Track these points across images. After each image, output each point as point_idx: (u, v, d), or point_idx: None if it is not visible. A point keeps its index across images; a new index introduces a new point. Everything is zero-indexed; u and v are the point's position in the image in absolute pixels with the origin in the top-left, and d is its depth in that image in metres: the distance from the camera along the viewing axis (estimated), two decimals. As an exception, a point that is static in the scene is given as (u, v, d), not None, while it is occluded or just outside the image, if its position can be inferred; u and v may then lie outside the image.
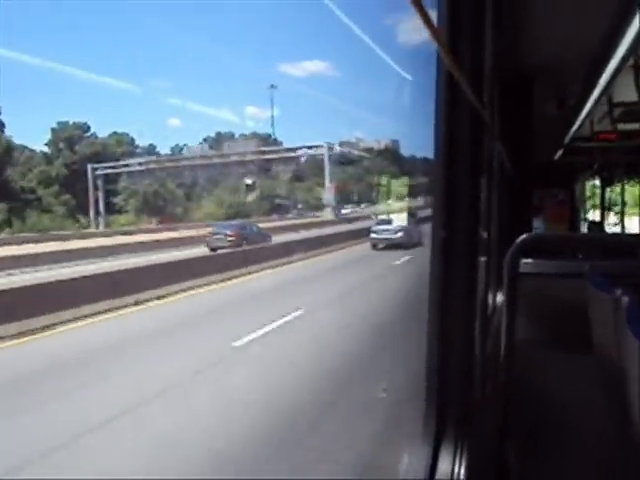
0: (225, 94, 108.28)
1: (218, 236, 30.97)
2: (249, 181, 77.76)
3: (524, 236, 1.95)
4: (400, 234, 29.77)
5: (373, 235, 30.82)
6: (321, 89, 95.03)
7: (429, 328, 1.85)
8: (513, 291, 1.94)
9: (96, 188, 69.68)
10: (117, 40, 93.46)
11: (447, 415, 1.82)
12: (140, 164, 71.30)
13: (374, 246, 30.31)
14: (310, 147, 70.91)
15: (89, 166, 68.64)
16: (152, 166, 71.35)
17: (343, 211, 72.00)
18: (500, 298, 3.26)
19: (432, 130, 1.80)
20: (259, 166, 72.09)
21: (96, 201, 69.15)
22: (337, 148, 73.04)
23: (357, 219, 54.42)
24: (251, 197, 78.40)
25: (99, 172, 69.27)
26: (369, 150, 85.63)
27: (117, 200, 73.07)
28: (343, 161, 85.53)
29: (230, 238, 30.17)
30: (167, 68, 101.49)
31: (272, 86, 76.35)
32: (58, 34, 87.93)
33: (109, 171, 69.57)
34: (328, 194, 67.83)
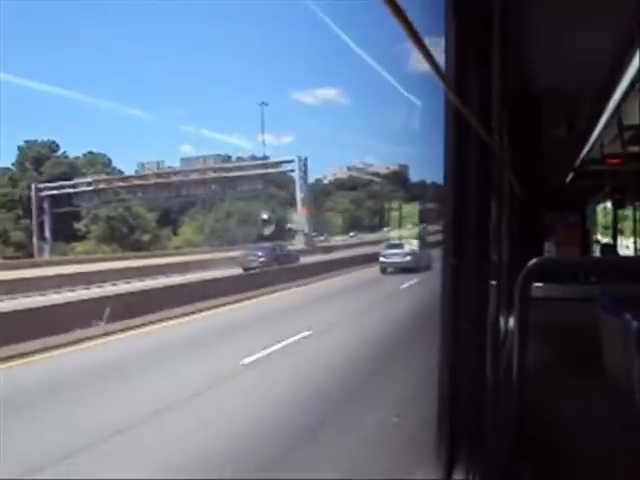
0: (239, 122, 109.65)
1: (251, 257, 33.05)
2: (265, 216, 76.03)
3: (535, 260, 1.96)
4: (409, 258, 29.46)
5: (382, 259, 30.32)
6: (332, 116, 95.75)
7: (441, 353, 1.87)
8: (525, 315, 1.94)
9: (43, 211, 60.99)
10: (132, 69, 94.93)
11: (459, 439, 1.83)
12: (89, 184, 62.91)
13: (383, 270, 29.75)
14: (279, 163, 62.30)
15: (32, 185, 60.88)
16: (102, 186, 63.05)
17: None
18: (511, 322, 3.27)
19: (441, 156, 1.84)
20: (222, 184, 63.47)
21: (41, 225, 60.71)
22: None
23: (333, 249, 48.74)
24: (267, 231, 76.80)
25: (45, 193, 61.14)
26: (374, 175, 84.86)
27: (79, 225, 66.28)
28: (349, 186, 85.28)
29: (262, 259, 32.13)
30: (181, 96, 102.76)
31: (263, 103, 69.52)
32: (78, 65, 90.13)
33: (54, 192, 61.21)
34: (299, 218, 57.53)
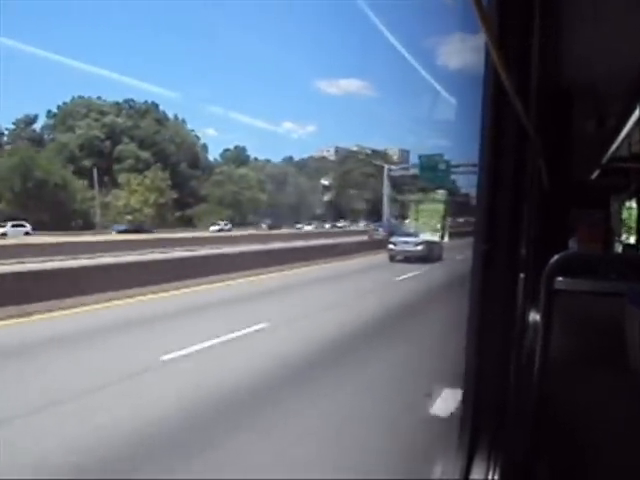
0: (262, 109, 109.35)
1: (377, 231, 46.79)
2: (326, 182, 73.76)
3: (562, 253, 1.95)
4: (420, 247, 28.41)
5: (391, 246, 29.27)
6: (355, 106, 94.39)
7: (468, 338, 1.85)
8: (549, 307, 1.93)
9: None
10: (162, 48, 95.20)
11: (482, 425, 1.82)
12: None
13: (392, 258, 28.72)
14: None
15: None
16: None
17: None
18: (534, 314, 3.24)
19: (466, 145, 1.81)
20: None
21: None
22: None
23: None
24: (327, 197, 74.85)
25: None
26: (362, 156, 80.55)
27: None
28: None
29: (384, 233, 42.84)
30: (204, 80, 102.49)
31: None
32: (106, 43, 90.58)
33: None
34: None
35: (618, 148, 6.76)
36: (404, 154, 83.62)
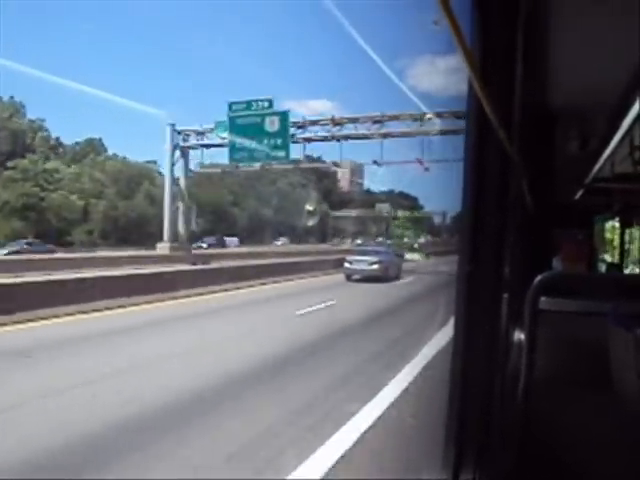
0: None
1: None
2: (311, 207, 70.17)
3: (546, 273, 1.98)
4: (376, 266, 27.54)
5: (347, 265, 28.66)
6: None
7: (452, 358, 1.87)
8: (534, 327, 1.96)
9: None
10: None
11: (466, 443, 1.84)
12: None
13: (348, 277, 28.33)
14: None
15: None
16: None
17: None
18: (519, 334, 3.28)
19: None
20: None
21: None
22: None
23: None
24: (312, 222, 70.67)
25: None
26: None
27: None
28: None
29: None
30: (170, 99, 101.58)
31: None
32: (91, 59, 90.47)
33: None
34: None
35: (601, 169, 6.86)
36: (357, 166, 78.81)
